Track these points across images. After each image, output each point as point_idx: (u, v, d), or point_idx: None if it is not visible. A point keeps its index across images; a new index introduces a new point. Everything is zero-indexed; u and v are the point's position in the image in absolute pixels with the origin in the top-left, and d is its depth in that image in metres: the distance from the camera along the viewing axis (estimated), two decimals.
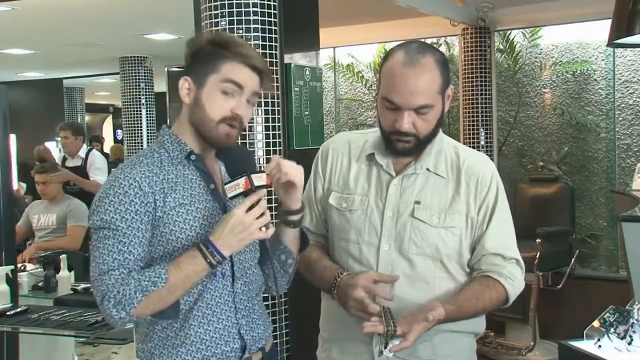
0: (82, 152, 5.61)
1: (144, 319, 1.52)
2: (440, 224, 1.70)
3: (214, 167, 1.65)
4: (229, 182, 1.53)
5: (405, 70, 1.63)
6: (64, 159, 5.70)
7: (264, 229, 1.49)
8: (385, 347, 1.57)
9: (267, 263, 1.69)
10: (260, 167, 1.59)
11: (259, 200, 1.49)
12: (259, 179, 1.51)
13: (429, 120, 1.67)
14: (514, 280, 1.72)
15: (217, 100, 1.55)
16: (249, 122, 2.79)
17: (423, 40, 6.08)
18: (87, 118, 11.46)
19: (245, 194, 1.50)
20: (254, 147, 2.85)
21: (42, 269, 3.64)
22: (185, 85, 1.58)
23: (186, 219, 1.52)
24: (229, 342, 1.57)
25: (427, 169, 1.74)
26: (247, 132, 2.79)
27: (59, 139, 5.91)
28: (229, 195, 1.52)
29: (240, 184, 1.50)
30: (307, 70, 3.57)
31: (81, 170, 5.45)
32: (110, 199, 1.48)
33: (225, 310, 1.57)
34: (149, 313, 1.48)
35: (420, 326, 1.56)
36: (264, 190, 1.52)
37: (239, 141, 2.80)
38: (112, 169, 1.64)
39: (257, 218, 1.48)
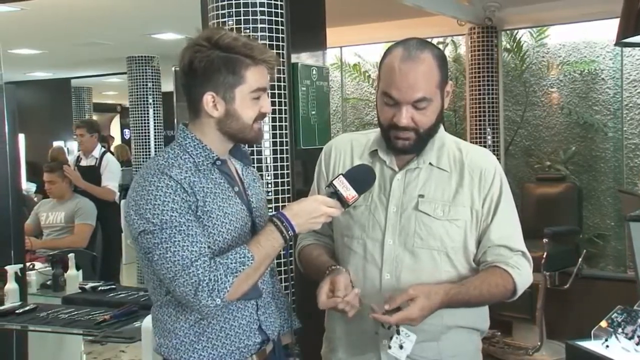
0: (96, 152, 5.51)
1: (169, 313, 1.58)
2: (444, 217, 1.70)
3: (233, 168, 1.70)
4: (335, 180, 1.58)
5: (403, 64, 1.64)
6: (78, 159, 5.63)
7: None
8: (401, 347, 1.59)
9: None
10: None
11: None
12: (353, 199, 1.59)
13: (428, 115, 1.67)
14: (521, 269, 1.70)
15: (249, 107, 1.61)
16: None
17: (430, 39, 6.12)
18: (94, 117, 11.48)
19: (339, 197, 1.57)
20: (260, 147, 2.86)
21: (50, 268, 3.66)
22: (210, 100, 1.58)
23: (223, 222, 1.57)
24: (250, 337, 1.62)
25: (430, 164, 1.74)
26: None
27: (75, 136, 5.92)
28: (337, 186, 1.57)
29: (350, 195, 1.57)
30: (314, 70, 3.58)
31: (95, 172, 5.37)
32: (158, 200, 1.49)
33: (248, 306, 1.62)
34: (239, 296, 1.52)
35: (400, 297, 1.57)
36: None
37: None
38: (138, 171, 1.61)
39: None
